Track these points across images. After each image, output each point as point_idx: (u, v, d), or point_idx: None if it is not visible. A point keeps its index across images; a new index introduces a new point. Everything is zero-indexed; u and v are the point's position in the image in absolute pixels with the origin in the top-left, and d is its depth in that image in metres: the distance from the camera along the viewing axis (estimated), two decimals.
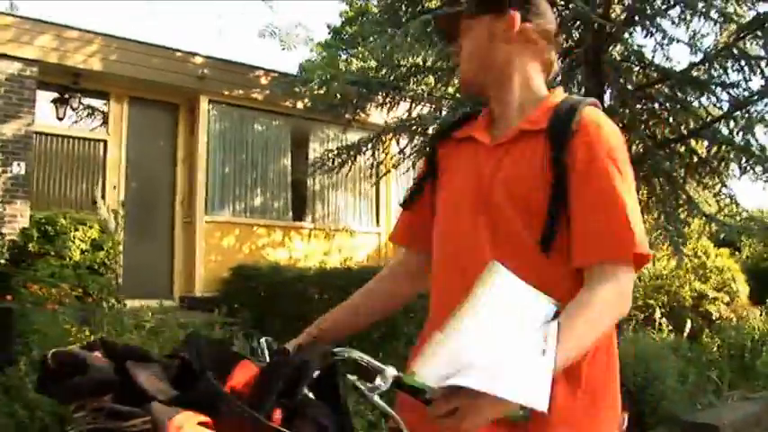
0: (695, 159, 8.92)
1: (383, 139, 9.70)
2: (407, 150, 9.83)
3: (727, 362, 8.25)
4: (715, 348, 8.80)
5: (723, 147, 8.54)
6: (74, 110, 9.33)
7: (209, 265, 9.68)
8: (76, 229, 7.76)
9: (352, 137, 10.03)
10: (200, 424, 1.23)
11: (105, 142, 9.49)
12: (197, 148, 9.82)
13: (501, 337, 1.41)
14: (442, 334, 1.39)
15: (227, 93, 10.10)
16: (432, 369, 1.38)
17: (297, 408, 1.41)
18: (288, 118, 10.78)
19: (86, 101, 9.44)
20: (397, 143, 9.75)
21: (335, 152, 9.66)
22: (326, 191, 11.34)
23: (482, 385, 1.31)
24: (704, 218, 8.63)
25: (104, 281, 7.77)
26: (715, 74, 8.32)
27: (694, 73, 8.42)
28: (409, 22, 9.30)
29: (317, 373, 1.49)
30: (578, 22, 8.28)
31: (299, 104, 10.34)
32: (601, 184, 1.60)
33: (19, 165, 8.35)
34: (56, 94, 9.19)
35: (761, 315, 10.47)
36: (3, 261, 7.30)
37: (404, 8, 9.61)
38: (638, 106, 8.76)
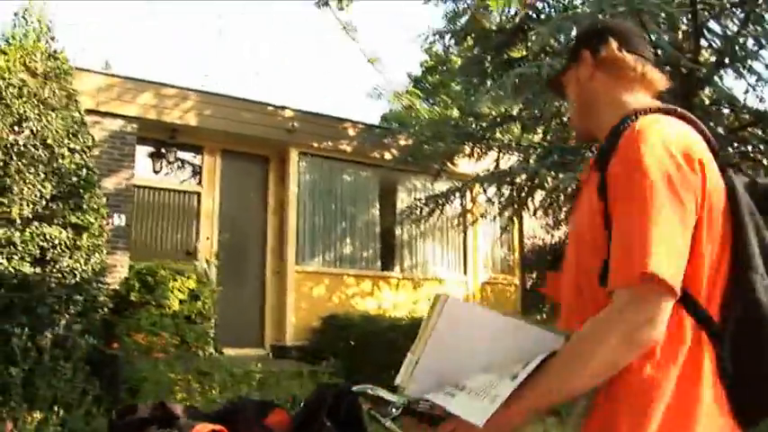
0: None
1: (471, 188, 9.74)
2: (495, 199, 9.87)
3: None
4: None
5: None
6: (170, 163, 9.66)
7: (299, 313, 9.79)
8: (175, 280, 7.98)
9: (440, 186, 10.10)
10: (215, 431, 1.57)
11: (199, 194, 9.78)
12: (287, 198, 10.03)
13: (466, 359, 1.52)
14: (412, 354, 1.52)
15: (316, 145, 10.31)
16: (411, 386, 1.53)
17: None
18: (376, 169, 10.93)
19: (181, 154, 9.78)
20: (485, 192, 9.77)
21: (423, 201, 9.73)
22: (414, 240, 11.40)
23: (440, 400, 1.48)
24: None
25: (200, 330, 7.94)
26: None
27: None
28: (497, 72, 9.44)
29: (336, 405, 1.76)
30: (667, 67, 8.22)
31: (387, 155, 10.49)
32: (619, 207, 1.49)
33: (120, 217, 8.66)
34: (153, 149, 9.56)
35: None
36: (107, 310, 7.53)
37: (489, 59, 9.70)
38: (731, 150, 8.59)
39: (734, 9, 8.03)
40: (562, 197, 10.18)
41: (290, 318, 9.73)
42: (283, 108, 10.18)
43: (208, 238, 9.59)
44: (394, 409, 1.67)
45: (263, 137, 9.92)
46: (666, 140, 1.51)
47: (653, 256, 1.39)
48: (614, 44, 1.79)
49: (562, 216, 11.05)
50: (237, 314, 9.56)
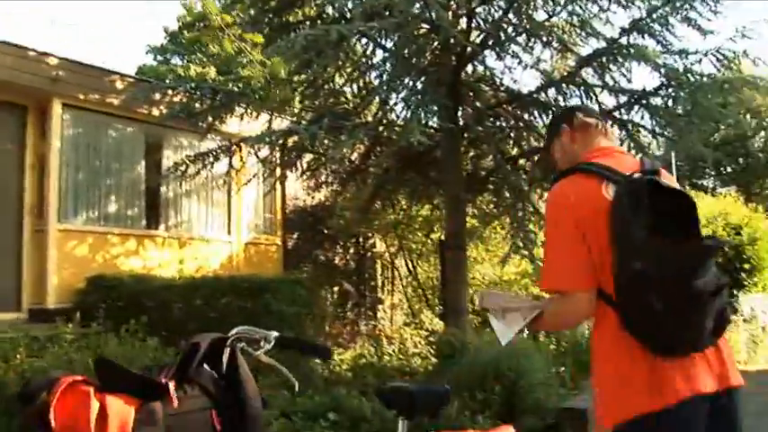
0: (538, 174, 9.78)
1: (240, 147, 9.80)
2: (264, 160, 10.00)
3: (570, 358, 9.05)
4: (553, 347, 9.61)
5: None
6: None
7: (61, 274, 9.30)
8: None
9: (207, 145, 10.06)
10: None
11: None
12: (48, 153, 9.40)
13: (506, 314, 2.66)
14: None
15: (81, 96, 9.74)
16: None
17: (188, 378, 2.06)
18: (143, 124, 10.54)
19: None
20: (257, 154, 9.85)
21: (192, 158, 9.63)
22: (180, 199, 11.20)
23: (494, 315, 2.68)
24: None
25: None
26: (560, 98, 9.16)
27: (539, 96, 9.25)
28: (273, 34, 9.56)
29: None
30: (438, 44, 8.83)
31: (155, 111, 10.18)
32: None
33: None
34: None
35: None
36: None
37: (268, 19, 9.77)
38: (489, 124, 9.45)
39: None
40: (330, 161, 10.59)
41: (51, 279, 9.20)
42: (47, 54, 9.47)
43: None
44: (267, 344, 2.21)
45: (21, 84, 9.14)
46: (559, 197, 2.49)
47: (546, 275, 2.54)
48: (580, 115, 2.77)
49: (323, 179, 11.48)
50: None
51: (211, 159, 9.69)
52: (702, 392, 2.24)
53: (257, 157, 9.92)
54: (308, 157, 10.17)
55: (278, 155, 9.91)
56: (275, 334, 2.32)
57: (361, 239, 13.02)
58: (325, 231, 12.64)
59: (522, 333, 2.67)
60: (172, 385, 2.02)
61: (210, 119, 9.85)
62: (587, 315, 2.44)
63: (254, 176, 10.19)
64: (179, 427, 1.96)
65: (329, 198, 12.10)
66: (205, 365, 2.17)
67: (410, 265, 13.06)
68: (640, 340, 2.24)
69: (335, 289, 12.15)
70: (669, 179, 2.50)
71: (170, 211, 11.11)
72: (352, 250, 13.07)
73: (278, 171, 10.37)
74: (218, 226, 11.61)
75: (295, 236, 12.53)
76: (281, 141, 9.47)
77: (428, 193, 10.96)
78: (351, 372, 9.04)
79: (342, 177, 11.04)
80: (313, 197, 12.28)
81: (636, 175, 2.38)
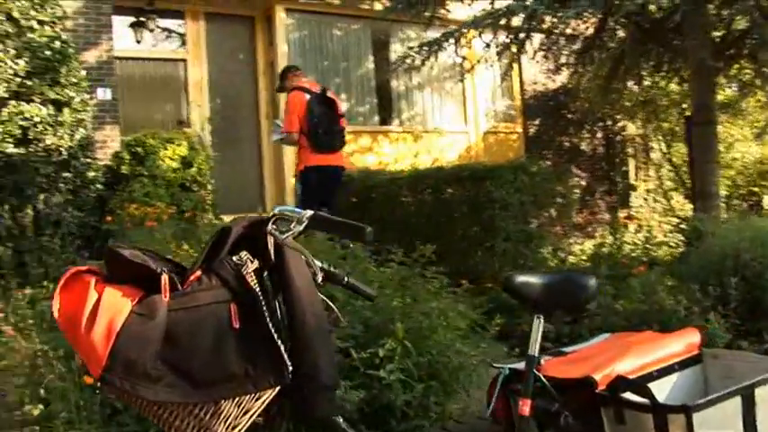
0: None
1: (465, 34, 9.34)
2: (492, 45, 9.48)
3: None
4: None
5: None
6: (151, 32, 9.31)
7: None
8: (165, 148, 7.80)
9: (434, 35, 9.72)
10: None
11: (185, 61, 9.46)
12: (277, 59, 9.69)
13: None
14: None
15: (302, 0, 9.87)
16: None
17: (212, 268, 1.82)
18: (366, 20, 10.50)
19: (163, 22, 9.42)
20: (481, 37, 9.36)
21: (417, 49, 9.36)
22: (412, 93, 11.10)
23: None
24: None
25: (197, 197, 7.83)
26: None
27: None
28: None
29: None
30: None
31: (377, 5, 10.05)
32: None
33: (104, 90, 8.40)
34: (132, 18, 9.20)
35: None
36: (99, 186, 7.41)
37: None
38: None
39: None
40: (562, 40, 9.83)
41: (289, 179, 9.61)
42: None
43: (199, 106, 9.35)
44: (299, 225, 1.91)
45: None
46: (291, 98, 7.16)
47: (286, 126, 7.24)
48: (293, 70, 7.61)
49: (563, 60, 10.68)
50: (236, 181, 9.46)
51: (436, 48, 9.37)
52: (331, 165, 7.11)
53: (483, 41, 9.45)
54: (538, 37, 9.49)
55: (503, 37, 9.34)
56: (309, 213, 1.97)
57: (609, 122, 12.10)
58: (569, 116, 11.90)
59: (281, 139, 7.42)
60: (164, 276, 1.78)
61: (433, 6, 9.49)
62: (297, 141, 7.11)
63: (478, 61, 9.70)
64: (187, 321, 1.74)
65: (570, 80, 11.30)
66: (244, 253, 1.88)
67: (663, 147, 11.89)
68: (312, 145, 6.99)
69: (584, 176, 11.50)
70: (332, 94, 7.29)
71: (402, 106, 11.04)
72: (599, 134, 12.20)
73: (506, 55, 9.80)
74: (454, 117, 11.35)
75: (537, 122, 11.92)
76: (503, 22, 8.91)
77: (673, 65, 9.79)
78: (590, 262, 8.46)
79: (576, 55, 10.20)
80: (554, 80, 11.56)
81: (318, 92, 7.08)
